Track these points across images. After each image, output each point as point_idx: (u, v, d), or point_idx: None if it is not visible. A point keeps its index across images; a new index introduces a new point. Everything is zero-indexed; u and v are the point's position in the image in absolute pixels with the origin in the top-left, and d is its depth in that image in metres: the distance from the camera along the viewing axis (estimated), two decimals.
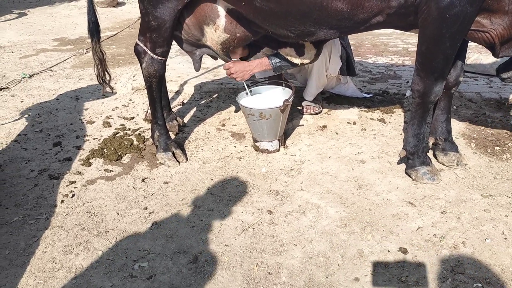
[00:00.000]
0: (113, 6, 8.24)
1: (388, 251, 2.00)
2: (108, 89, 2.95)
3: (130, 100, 3.81)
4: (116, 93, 3.94)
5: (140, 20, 2.65)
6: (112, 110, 3.64)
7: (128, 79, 4.10)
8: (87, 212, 2.39)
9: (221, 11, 2.40)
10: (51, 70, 4.85)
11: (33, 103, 3.88)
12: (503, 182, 2.48)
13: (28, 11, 8.25)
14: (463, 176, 2.53)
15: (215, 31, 2.45)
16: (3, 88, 4.24)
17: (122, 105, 3.71)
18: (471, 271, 1.87)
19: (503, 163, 2.68)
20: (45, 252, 2.11)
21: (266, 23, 2.30)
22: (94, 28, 2.67)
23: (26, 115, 3.61)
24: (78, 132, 3.31)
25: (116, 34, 6.55)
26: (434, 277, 1.85)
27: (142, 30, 2.59)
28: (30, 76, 4.57)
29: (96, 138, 3.20)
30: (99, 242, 2.15)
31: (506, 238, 2.05)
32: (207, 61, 4.37)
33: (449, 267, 1.90)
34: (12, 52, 5.62)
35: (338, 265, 1.93)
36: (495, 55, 2.26)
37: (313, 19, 2.18)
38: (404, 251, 2.00)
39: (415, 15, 2.21)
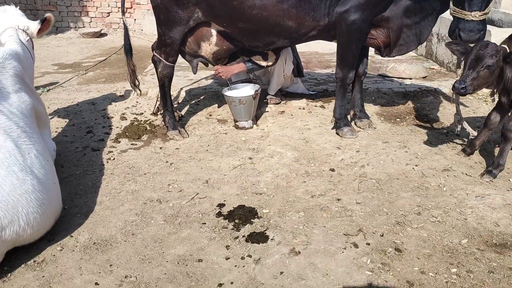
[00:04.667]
0: (97, 37, 9.41)
1: (323, 170, 3.31)
2: (138, 91, 4.20)
3: (137, 102, 5.00)
4: (123, 96, 5.14)
5: (156, 38, 3.90)
6: (125, 109, 4.82)
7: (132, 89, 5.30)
8: (127, 166, 3.56)
9: (214, 31, 3.73)
10: (62, 86, 5.96)
11: (58, 108, 5.00)
12: (397, 135, 3.88)
13: None
14: (372, 133, 3.92)
15: (209, 45, 3.77)
16: None
17: (132, 106, 4.90)
18: (371, 176, 3.21)
19: (400, 127, 4.10)
20: (107, 185, 3.26)
21: (244, 38, 3.64)
22: (128, 49, 3.94)
23: (56, 116, 4.73)
24: (102, 124, 4.47)
25: (106, 59, 7.73)
26: (349, 180, 3.17)
27: (159, 45, 3.86)
28: (48, 91, 5.68)
29: (118, 127, 4.36)
30: (142, 178, 3.33)
31: (393, 160, 3.41)
32: (193, 75, 5.65)
33: (358, 175, 3.23)
34: None
35: (293, 177, 3.22)
36: (381, 55, 3.70)
37: (274, 33, 3.55)
38: (332, 170, 3.31)
39: (334, 30, 3.60)
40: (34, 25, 3.34)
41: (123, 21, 3.96)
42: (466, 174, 3.19)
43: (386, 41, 3.60)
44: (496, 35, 5.24)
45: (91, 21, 9.92)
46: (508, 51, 2.91)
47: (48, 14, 3.36)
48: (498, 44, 3.02)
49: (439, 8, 3.40)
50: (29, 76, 3.16)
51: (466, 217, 2.70)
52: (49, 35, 9.89)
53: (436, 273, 2.25)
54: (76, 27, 9.83)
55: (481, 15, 2.95)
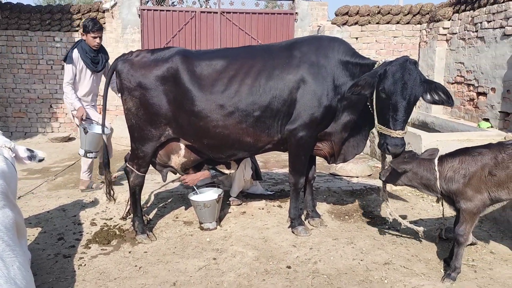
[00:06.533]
0: (65, 141, 9.81)
1: (281, 268, 3.68)
2: (113, 200, 4.56)
3: (106, 207, 5.30)
4: (93, 202, 5.43)
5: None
6: (95, 214, 5.10)
7: (102, 194, 5.61)
8: (98, 272, 3.78)
9: (182, 146, 4.26)
10: (32, 193, 6.19)
11: (29, 215, 5.20)
12: (346, 232, 4.36)
13: None
14: (324, 231, 4.38)
15: (178, 157, 4.27)
16: None
17: (102, 211, 5.19)
18: (322, 271, 3.60)
19: (348, 224, 4.59)
20: None
21: (209, 151, 4.19)
22: (107, 163, 4.37)
23: (27, 223, 4.92)
24: (73, 230, 4.70)
25: (74, 163, 8.06)
26: (303, 276, 3.54)
27: (131, 158, 4.31)
28: (19, 198, 5.88)
29: (88, 233, 4.62)
30: (112, 283, 3.56)
31: (341, 256, 3.84)
32: (160, 179, 6.06)
33: (311, 271, 3.61)
34: None
35: (254, 276, 3.56)
36: (328, 163, 4.31)
37: (235, 147, 4.12)
38: (289, 267, 3.69)
39: (286, 144, 4.20)
40: (22, 152, 3.75)
41: (103, 139, 4.43)
42: (404, 267, 3.64)
43: (331, 152, 4.23)
44: (426, 139, 6.09)
45: (60, 126, 10.39)
46: (436, 166, 3.53)
47: (43, 157, 3.90)
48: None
49: (370, 126, 4.11)
50: (12, 191, 3.48)
51: None
52: (18, 140, 10.22)
53: None
54: (44, 132, 10.23)
55: (403, 133, 3.60)
